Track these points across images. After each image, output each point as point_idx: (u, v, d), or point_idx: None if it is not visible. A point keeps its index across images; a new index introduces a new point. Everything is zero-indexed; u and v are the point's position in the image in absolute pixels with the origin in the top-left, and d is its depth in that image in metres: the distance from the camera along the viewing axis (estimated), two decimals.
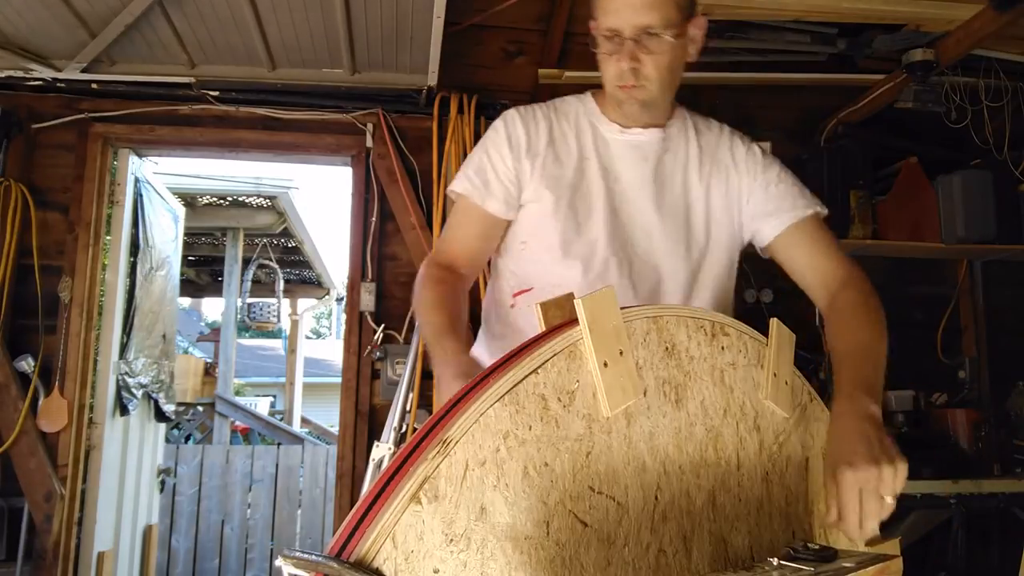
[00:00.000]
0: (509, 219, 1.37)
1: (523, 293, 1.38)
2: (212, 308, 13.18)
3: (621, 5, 1.22)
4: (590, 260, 1.31)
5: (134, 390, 3.22)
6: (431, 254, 1.40)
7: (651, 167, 1.36)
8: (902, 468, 0.94)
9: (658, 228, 1.34)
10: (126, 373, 3.16)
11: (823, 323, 1.32)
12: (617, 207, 1.34)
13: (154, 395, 3.53)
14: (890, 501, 0.93)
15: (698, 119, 1.47)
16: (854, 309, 1.25)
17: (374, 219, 3.06)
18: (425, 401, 2.82)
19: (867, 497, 0.91)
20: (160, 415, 3.66)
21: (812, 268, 1.35)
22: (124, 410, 3.13)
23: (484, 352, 1.46)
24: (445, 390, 1.05)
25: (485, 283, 2.90)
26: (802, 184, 1.42)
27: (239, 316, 6.80)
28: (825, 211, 1.39)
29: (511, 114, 1.39)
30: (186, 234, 4.41)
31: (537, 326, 1.08)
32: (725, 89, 3.04)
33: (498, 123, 1.39)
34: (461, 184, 1.37)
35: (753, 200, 1.39)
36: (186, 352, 8.44)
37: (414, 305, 1.33)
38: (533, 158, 1.34)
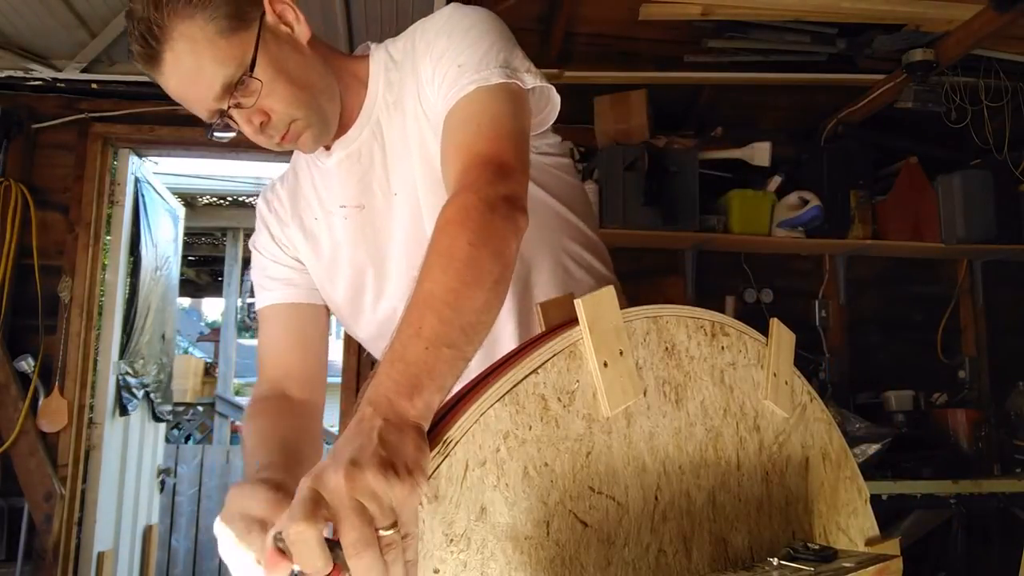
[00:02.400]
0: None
1: None
2: (212, 308, 13.19)
3: (182, 93, 0.91)
4: (374, 327, 1.11)
5: (135, 390, 3.22)
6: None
7: (379, 167, 1.05)
8: (401, 485, 0.55)
9: (412, 239, 1.02)
10: (127, 373, 3.16)
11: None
12: (374, 246, 1.07)
13: (152, 395, 3.53)
14: (388, 533, 0.54)
15: (393, 50, 1.07)
16: (447, 229, 0.77)
17: None
18: None
19: (343, 517, 0.53)
20: (155, 416, 3.65)
21: (444, 159, 0.92)
22: (124, 410, 3.13)
23: None
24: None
25: None
26: (485, 48, 0.95)
27: (239, 316, 6.80)
28: (499, 80, 0.91)
29: (260, 206, 1.18)
30: (186, 234, 4.41)
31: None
32: (725, 89, 3.04)
33: (258, 219, 1.18)
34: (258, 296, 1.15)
35: (435, 115, 0.98)
36: (186, 352, 8.44)
37: None
38: (295, 247, 1.14)
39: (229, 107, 0.91)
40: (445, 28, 0.98)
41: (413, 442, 0.59)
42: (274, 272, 1.14)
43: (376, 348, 1.13)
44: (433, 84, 0.97)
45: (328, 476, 0.55)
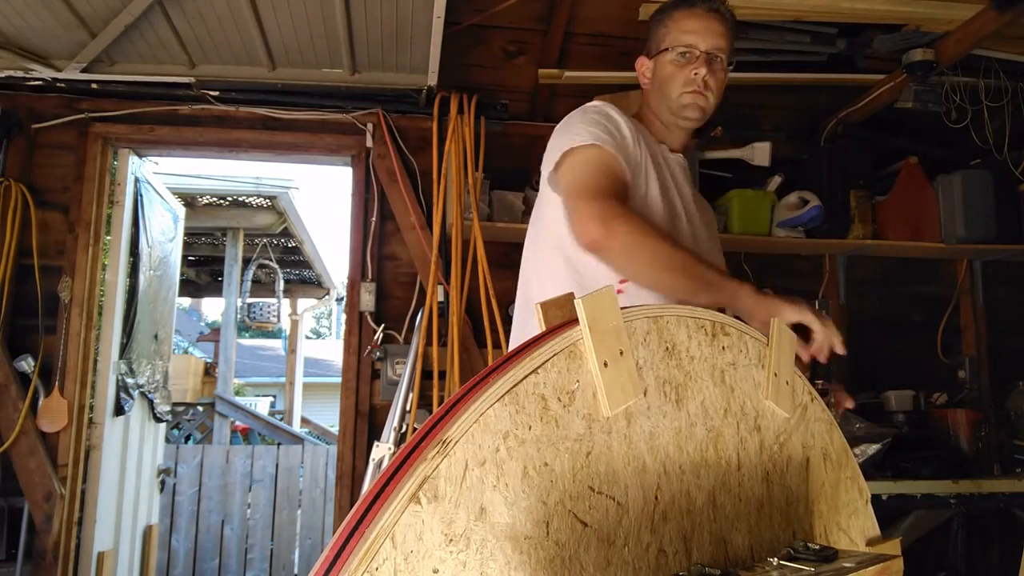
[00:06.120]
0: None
1: (627, 281, 1.35)
2: (212, 308, 13.18)
3: (702, 27, 1.44)
4: None
5: (132, 391, 3.21)
6: (594, 199, 1.26)
7: (690, 188, 1.53)
8: None
9: (706, 247, 1.49)
10: (126, 373, 3.16)
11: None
12: (680, 224, 1.45)
13: (150, 395, 3.52)
14: None
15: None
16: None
17: (374, 219, 3.06)
18: (425, 401, 2.82)
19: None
20: (155, 416, 3.64)
21: None
22: (120, 410, 3.12)
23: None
24: (792, 310, 1.17)
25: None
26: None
27: (239, 316, 6.80)
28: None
29: (611, 107, 1.44)
30: (186, 234, 4.41)
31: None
32: (725, 89, 3.04)
33: (604, 108, 1.43)
34: (593, 136, 1.33)
35: None
36: (186, 352, 8.44)
37: (636, 254, 1.22)
38: (637, 152, 1.42)
39: (712, 55, 1.45)
40: None
41: None
42: (626, 147, 1.39)
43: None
44: None
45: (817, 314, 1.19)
